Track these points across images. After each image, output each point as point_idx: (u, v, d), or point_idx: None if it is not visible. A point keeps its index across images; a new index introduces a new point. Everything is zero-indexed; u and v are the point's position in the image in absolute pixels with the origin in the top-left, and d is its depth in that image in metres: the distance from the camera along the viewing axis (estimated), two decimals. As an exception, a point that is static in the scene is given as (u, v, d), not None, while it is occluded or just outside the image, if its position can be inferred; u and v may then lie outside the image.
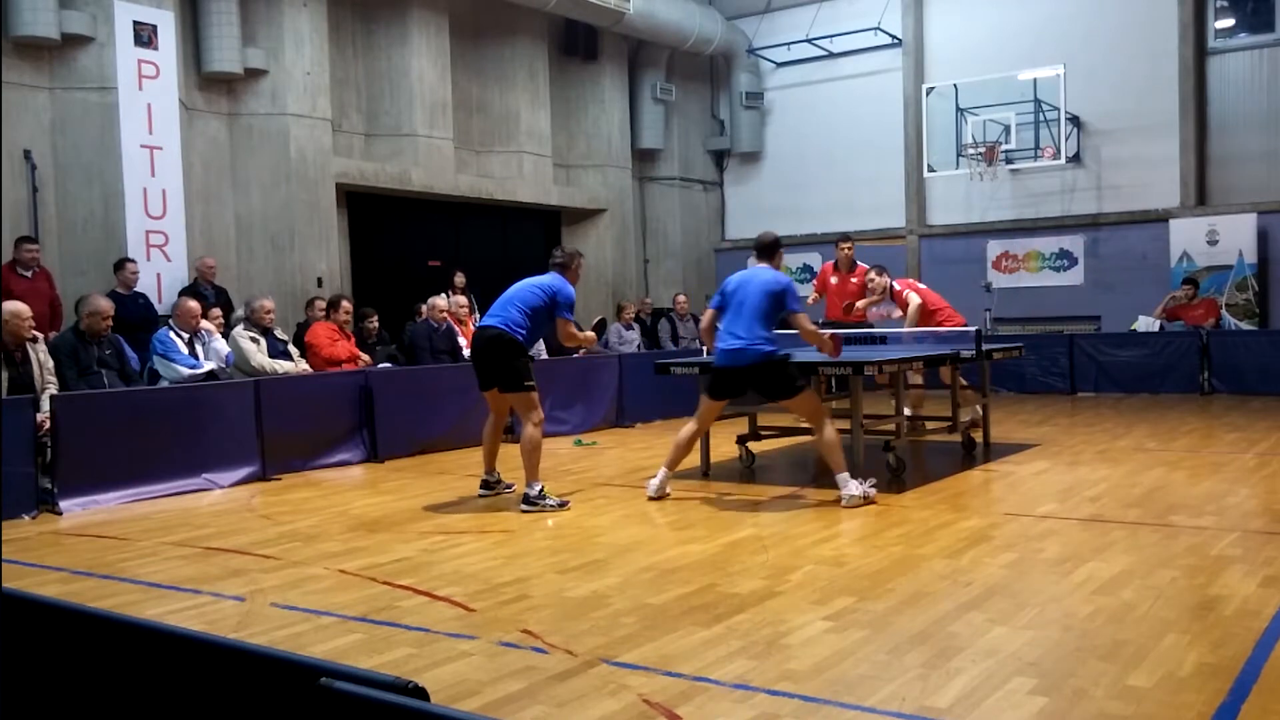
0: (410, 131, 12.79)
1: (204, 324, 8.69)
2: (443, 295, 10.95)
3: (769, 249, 6.83)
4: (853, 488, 6.20)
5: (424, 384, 9.23)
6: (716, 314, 6.70)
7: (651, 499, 6.62)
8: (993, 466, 7.77)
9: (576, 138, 15.68)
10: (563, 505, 6.47)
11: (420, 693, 1.64)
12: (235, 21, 10.88)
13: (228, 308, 9.99)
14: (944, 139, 14.65)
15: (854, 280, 9.99)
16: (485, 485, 6.98)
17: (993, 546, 5.14)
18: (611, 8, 14.17)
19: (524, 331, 6.58)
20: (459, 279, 11.79)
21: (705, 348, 7.32)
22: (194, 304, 8.63)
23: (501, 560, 5.13)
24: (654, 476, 6.76)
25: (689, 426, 6.81)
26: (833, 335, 6.82)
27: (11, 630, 2.28)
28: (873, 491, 6.33)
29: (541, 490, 6.48)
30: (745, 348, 6.35)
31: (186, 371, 8.17)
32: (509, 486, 7.00)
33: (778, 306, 6.43)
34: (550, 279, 6.82)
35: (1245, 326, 13.36)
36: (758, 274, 6.65)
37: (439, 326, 10.47)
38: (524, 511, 6.36)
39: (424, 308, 10.83)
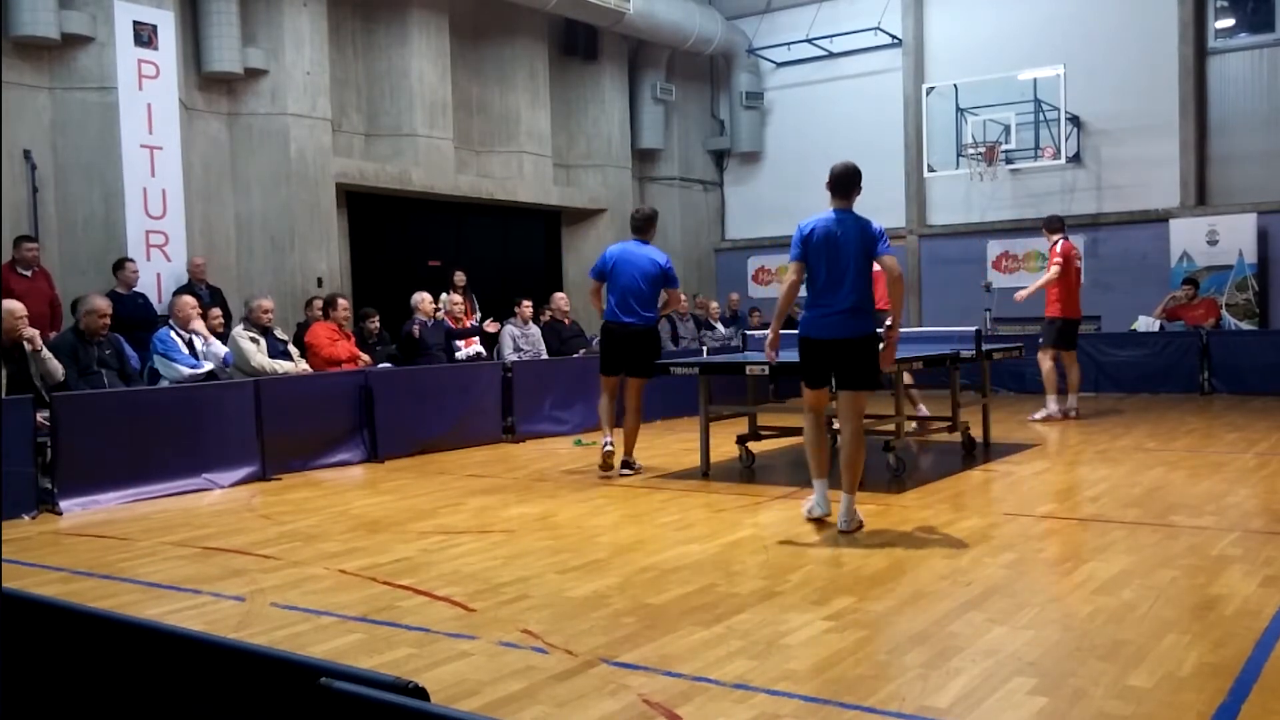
0: (410, 131, 12.80)
1: (196, 325, 8.63)
2: (442, 294, 10.99)
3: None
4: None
5: (424, 384, 9.24)
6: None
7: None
8: (993, 466, 7.76)
9: (576, 138, 15.68)
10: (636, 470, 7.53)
11: (420, 693, 1.64)
12: (235, 21, 10.88)
13: (223, 306, 9.98)
14: (944, 139, 14.65)
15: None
16: (626, 465, 7.61)
17: (993, 546, 5.14)
18: (611, 8, 14.17)
19: (657, 320, 7.55)
20: (459, 278, 11.81)
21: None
22: (188, 298, 8.62)
23: (501, 560, 5.13)
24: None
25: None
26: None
27: (11, 630, 2.28)
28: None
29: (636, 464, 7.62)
30: None
31: (187, 371, 8.17)
32: (639, 468, 7.66)
33: None
34: (650, 255, 7.45)
35: (1245, 326, 13.37)
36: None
37: (427, 321, 10.48)
38: (623, 474, 7.44)
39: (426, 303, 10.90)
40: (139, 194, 9.92)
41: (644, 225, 7.59)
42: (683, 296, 7.92)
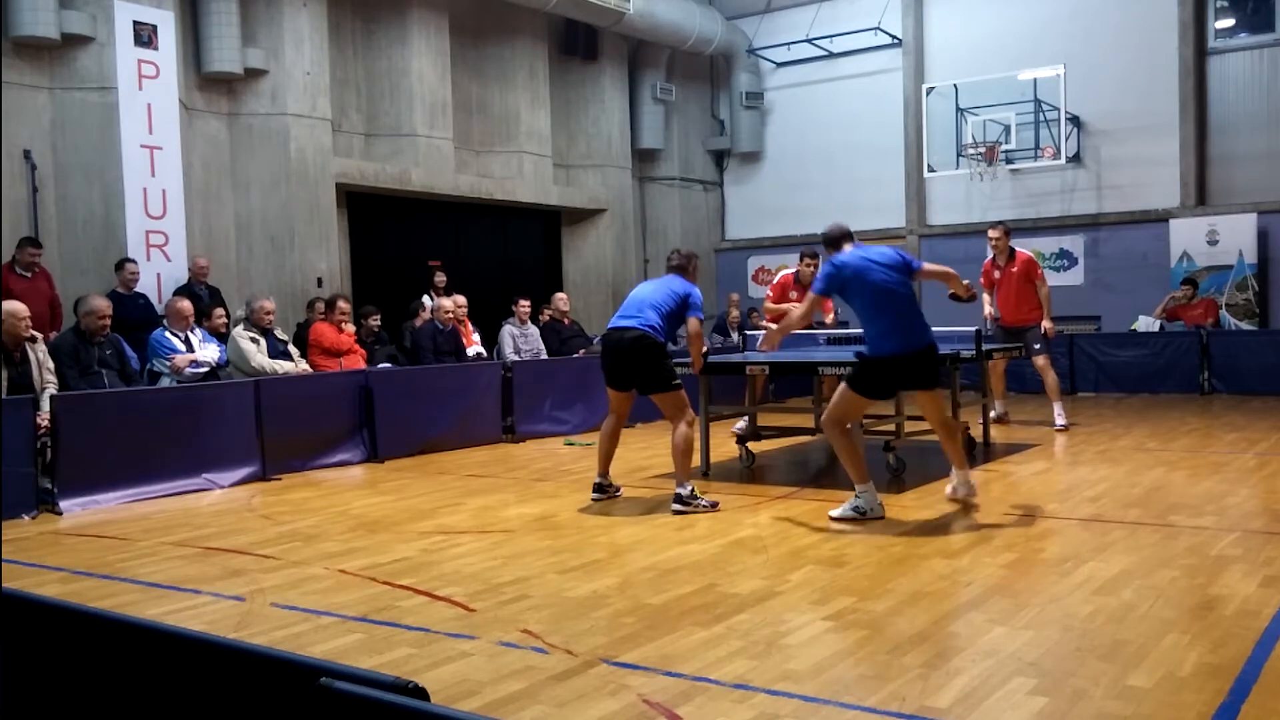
0: (410, 131, 12.80)
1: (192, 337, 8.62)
2: (427, 296, 11.05)
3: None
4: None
5: (424, 384, 9.24)
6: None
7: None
8: (993, 466, 7.76)
9: (576, 138, 15.68)
10: (713, 507, 6.25)
11: (420, 693, 1.65)
12: (235, 21, 10.88)
13: (223, 307, 9.98)
14: (944, 139, 14.65)
15: (1014, 269, 9.71)
16: (599, 489, 6.65)
17: (993, 546, 5.14)
18: (611, 8, 14.17)
19: (662, 334, 6.39)
20: (439, 279, 11.93)
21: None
22: (185, 303, 8.62)
23: (501, 560, 5.13)
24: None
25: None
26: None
27: (11, 630, 2.28)
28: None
29: (693, 491, 6.27)
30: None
31: (182, 359, 8.16)
32: (618, 490, 6.77)
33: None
34: (678, 282, 6.56)
35: (1245, 326, 13.37)
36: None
37: (444, 328, 10.49)
38: (676, 513, 6.14)
39: (426, 308, 10.88)
40: (139, 194, 9.92)
41: (682, 265, 6.66)
42: (703, 345, 6.85)
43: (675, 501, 6.26)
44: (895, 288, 5.86)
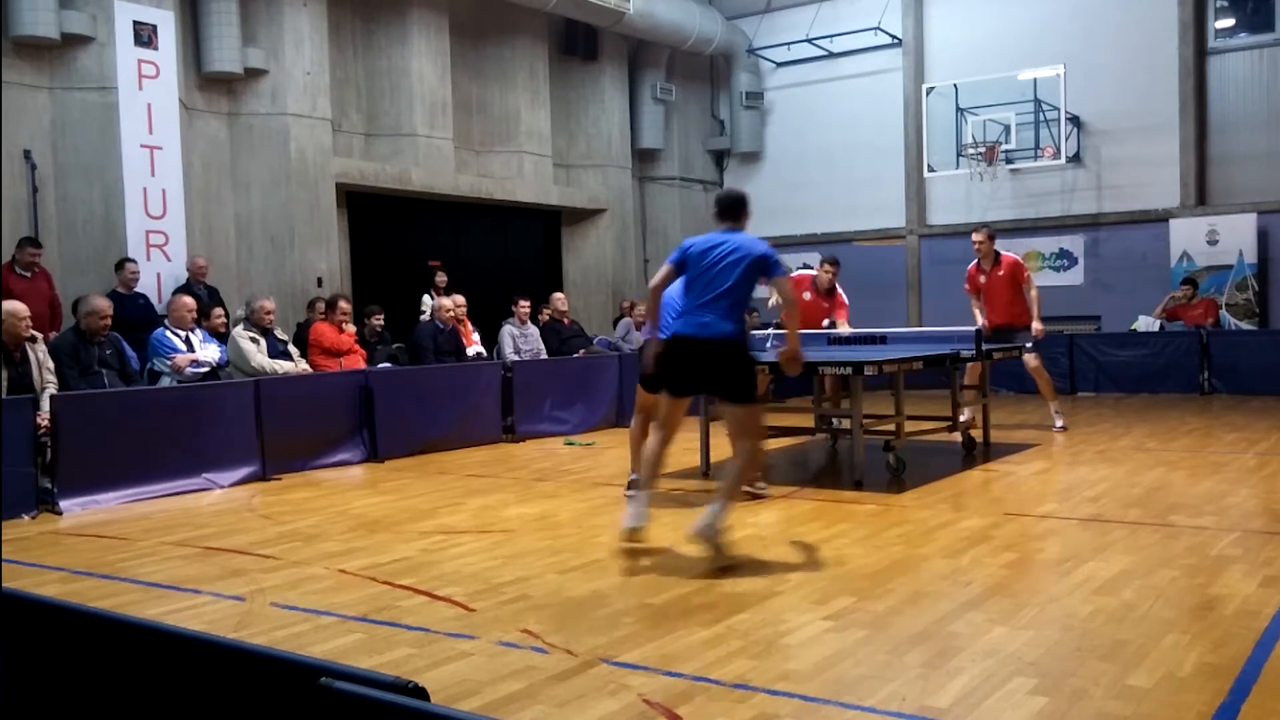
0: (410, 131, 12.80)
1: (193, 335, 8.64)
2: (427, 296, 11.07)
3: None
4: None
5: (424, 384, 9.24)
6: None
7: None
8: (993, 466, 7.77)
9: (576, 138, 15.68)
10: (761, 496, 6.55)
11: (420, 693, 1.65)
12: (235, 21, 10.88)
13: (222, 306, 9.98)
14: (944, 139, 14.65)
15: (1000, 273, 9.34)
16: (634, 485, 6.00)
17: (993, 546, 5.14)
18: (611, 8, 14.17)
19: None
20: (440, 279, 11.92)
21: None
22: (188, 299, 8.62)
23: (501, 560, 5.13)
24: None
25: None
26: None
27: (11, 630, 2.28)
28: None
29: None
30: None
31: (183, 358, 8.17)
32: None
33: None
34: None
35: (1245, 326, 13.37)
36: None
37: (444, 327, 10.50)
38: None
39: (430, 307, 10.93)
40: (139, 194, 9.92)
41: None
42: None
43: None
44: (719, 271, 5.04)
